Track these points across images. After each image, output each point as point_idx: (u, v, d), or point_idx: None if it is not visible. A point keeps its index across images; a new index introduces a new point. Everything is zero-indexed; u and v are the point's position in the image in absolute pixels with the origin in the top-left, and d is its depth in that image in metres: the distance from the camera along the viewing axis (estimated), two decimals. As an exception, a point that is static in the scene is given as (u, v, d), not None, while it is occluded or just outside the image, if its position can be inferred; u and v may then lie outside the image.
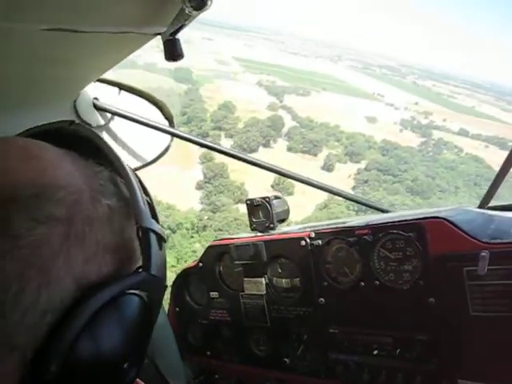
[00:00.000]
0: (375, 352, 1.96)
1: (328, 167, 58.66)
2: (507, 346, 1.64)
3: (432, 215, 1.82)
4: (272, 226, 2.23)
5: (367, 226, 1.94)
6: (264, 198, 2.23)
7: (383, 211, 2.59)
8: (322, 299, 2.08)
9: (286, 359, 2.24)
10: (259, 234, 2.27)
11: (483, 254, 1.62)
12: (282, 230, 2.27)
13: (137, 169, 2.32)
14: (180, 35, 1.19)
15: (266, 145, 52.09)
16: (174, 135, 2.33)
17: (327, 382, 2.14)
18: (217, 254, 2.36)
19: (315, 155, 57.02)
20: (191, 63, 60.51)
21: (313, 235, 2.06)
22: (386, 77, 74.78)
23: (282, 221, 2.34)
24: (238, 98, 55.47)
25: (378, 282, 1.91)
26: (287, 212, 2.35)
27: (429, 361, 1.85)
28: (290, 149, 55.63)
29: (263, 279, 2.24)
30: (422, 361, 1.86)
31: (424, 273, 1.80)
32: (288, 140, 54.04)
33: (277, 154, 51.40)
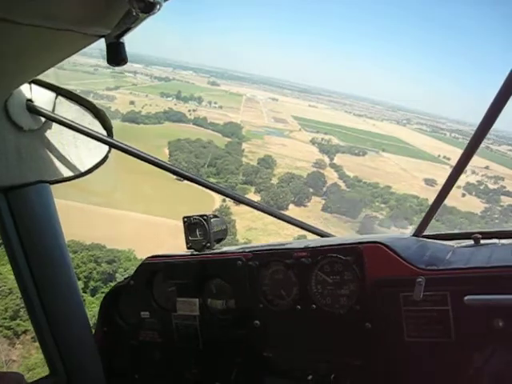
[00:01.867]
0: (309, 377, 1.90)
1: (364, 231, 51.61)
2: (440, 372, 1.66)
3: (370, 240, 1.85)
4: (209, 245, 2.19)
5: (306, 249, 1.92)
6: (202, 216, 2.20)
7: (324, 236, 2.45)
8: (257, 322, 2.04)
9: (218, 383, 2.17)
10: (195, 252, 2.21)
11: (419, 279, 1.65)
12: (219, 250, 2.21)
13: (70, 178, 2.24)
14: (127, 40, 1.19)
15: (298, 202, 47.17)
16: (112, 146, 2.20)
17: None
18: (150, 271, 2.27)
19: (353, 217, 51.37)
20: (245, 119, 57.78)
21: (250, 256, 2.03)
22: (455, 141, 68.37)
23: (220, 240, 2.28)
24: (284, 154, 51.60)
25: (314, 306, 1.90)
26: (225, 232, 2.31)
27: None
28: (324, 208, 50.40)
29: (197, 300, 2.17)
30: None
31: (361, 297, 1.81)
32: (326, 199, 48.91)
33: (306, 213, 46.14)
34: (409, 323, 1.71)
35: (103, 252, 23.23)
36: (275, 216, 2.49)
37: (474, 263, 1.74)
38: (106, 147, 2.23)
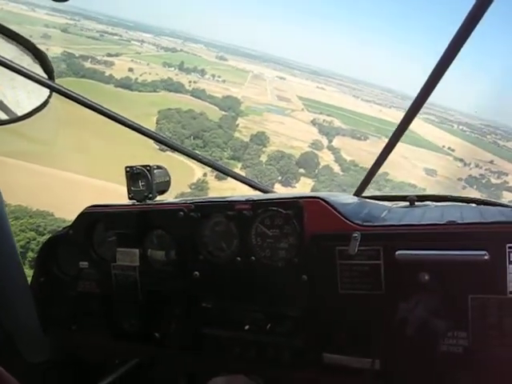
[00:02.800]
0: (247, 327, 1.98)
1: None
2: (368, 323, 1.76)
3: (310, 195, 1.89)
4: (151, 196, 2.18)
5: (247, 202, 1.96)
6: (145, 167, 2.17)
7: (267, 192, 2.50)
8: (197, 273, 2.07)
9: (157, 334, 2.19)
10: (136, 203, 2.19)
11: (355, 235, 1.74)
12: (161, 201, 2.22)
13: (6, 122, 2.13)
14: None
15: (285, 182, 45.33)
16: (53, 89, 2.11)
17: (198, 358, 2.15)
18: (90, 221, 2.26)
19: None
20: (247, 95, 55.46)
21: (192, 207, 2.05)
22: (462, 133, 66.25)
23: (162, 192, 2.28)
24: (280, 132, 49.65)
25: (254, 258, 1.95)
26: (168, 183, 2.31)
27: (298, 336, 1.89)
28: (313, 191, 48.76)
29: (137, 250, 2.17)
30: (291, 336, 1.91)
31: (299, 251, 1.86)
32: (316, 182, 46.99)
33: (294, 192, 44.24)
34: (343, 276, 1.80)
35: (47, 220, 21.63)
36: (219, 170, 2.53)
37: (407, 221, 1.86)
38: (47, 91, 2.12)
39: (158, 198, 2.23)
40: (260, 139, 51.78)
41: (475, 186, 56.89)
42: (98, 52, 55.14)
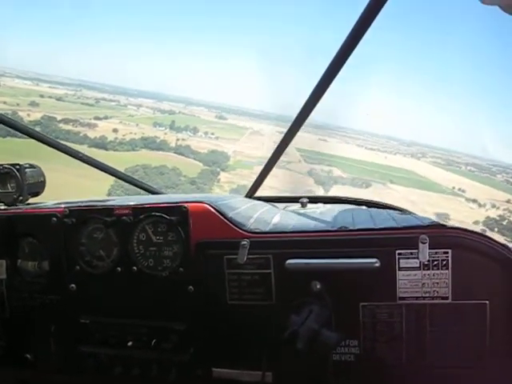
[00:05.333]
0: (130, 343, 1.84)
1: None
2: (259, 335, 1.71)
3: (197, 199, 1.82)
4: (21, 198, 1.99)
5: (128, 206, 1.81)
6: (14, 165, 1.94)
7: (154, 193, 2.43)
8: (73, 285, 1.89)
9: (28, 355, 1.96)
10: (3, 207, 2.00)
11: (244, 242, 1.69)
12: (33, 206, 2.03)
13: None
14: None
15: None
16: None
17: (77, 379, 1.97)
18: None
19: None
20: (240, 150, 52.40)
21: (66, 212, 1.86)
22: (471, 174, 61.82)
23: (36, 194, 2.10)
24: (270, 185, 44.67)
25: (135, 268, 1.81)
26: (42, 184, 2.11)
27: (185, 351, 1.81)
28: None
29: (4, 261, 1.94)
30: (178, 351, 1.82)
31: (185, 259, 1.78)
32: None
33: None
34: (232, 286, 1.74)
35: None
36: (108, 172, 2.40)
37: (298, 226, 1.81)
38: None
39: (32, 201, 2.07)
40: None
41: (496, 229, 51.43)
42: (86, 116, 52.49)
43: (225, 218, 1.75)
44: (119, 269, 1.81)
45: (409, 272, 1.61)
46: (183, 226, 1.74)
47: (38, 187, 2.05)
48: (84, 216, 1.84)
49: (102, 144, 42.41)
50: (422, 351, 1.66)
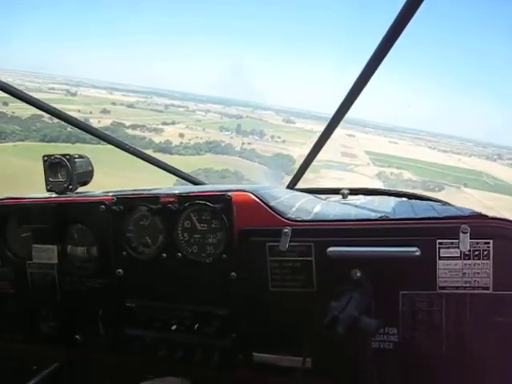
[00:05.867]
0: (174, 327, 1.90)
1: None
2: (300, 321, 1.72)
3: (239, 188, 1.84)
4: (71, 187, 2.05)
5: (173, 195, 1.88)
6: (64, 156, 2.01)
7: (197, 184, 2.48)
8: (120, 270, 1.98)
9: (78, 336, 2.06)
10: (54, 195, 2.06)
11: (286, 230, 1.70)
12: (82, 194, 2.08)
13: None
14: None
15: None
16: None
17: (123, 360, 2.05)
18: (0, 215, 2.12)
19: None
20: (304, 153, 50.28)
21: (114, 200, 1.95)
22: None
23: (84, 183, 2.18)
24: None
25: (180, 254, 1.88)
26: (91, 173, 2.17)
27: (227, 336, 1.85)
28: None
29: (55, 247, 2.01)
30: (220, 336, 1.85)
31: (228, 246, 1.82)
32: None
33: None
34: (274, 273, 1.75)
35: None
36: (150, 162, 2.44)
37: (339, 216, 1.82)
38: None
39: (81, 190, 2.12)
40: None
41: None
42: (154, 122, 54.22)
43: (267, 206, 1.76)
44: (164, 255, 1.86)
45: (449, 261, 1.61)
46: (227, 213, 1.76)
47: (87, 176, 2.11)
48: (131, 204, 1.89)
49: (166, 148, 43.26)
50: (462, 341, 1.64)
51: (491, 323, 1.60)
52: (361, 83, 1.89)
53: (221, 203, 1.76)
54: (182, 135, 53.89)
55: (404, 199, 2.24)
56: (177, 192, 1.86)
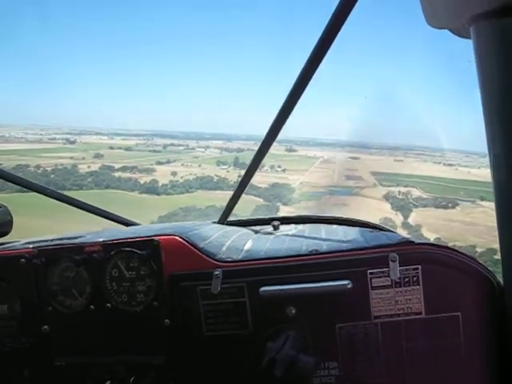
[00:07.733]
0: (107, 383, 1.70)
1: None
2: (237, 365, 1.66)
3: (167, 232, 1.74)
4: None
5: (98, 243, 1.72)
6: None
7: (129, 225, 2.35)
8: (46, 327, 1.75)
9: None
10: None
11: (216, 272, 1.64)
12: (1, 247, 1.90)
13: None
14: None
15: None
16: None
17: None
18: None
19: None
20: (308, 180, 47.50)
21: (35, 252, 1.72)
22: None
23: (3, 234, 1.95)
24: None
25: (109, 305, 1.71)
26: (9, 224, 1.99)
27: None
28: None
29: None
30: None
31: (158, 293, 1.69)
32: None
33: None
34: (207, 317, 1.68)
35: None
36: (79, 207, 2.30)
37: (269, 253, 1.74)
38: None
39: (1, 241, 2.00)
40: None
41: None
42: (148, 162, 51.03)
43: (196, 248, 1.70)
44: (93, 307, 1.73)
45: (381, 290, 1.60)
46: (155, 259, 1.68)
47: (5, 227, 1.96)
48: (53, 256, 1.75)
49: (152, 188, 40.55)
50: (401, 367, 1.64)
51: (427, 346, 1.59)
52: (288, 106, 1.73)
53: (148, 249, 1.65)
54: (174, 173, 51.30)
55: (334, 226, 2.11)
56: (101, 240, 1.72)
